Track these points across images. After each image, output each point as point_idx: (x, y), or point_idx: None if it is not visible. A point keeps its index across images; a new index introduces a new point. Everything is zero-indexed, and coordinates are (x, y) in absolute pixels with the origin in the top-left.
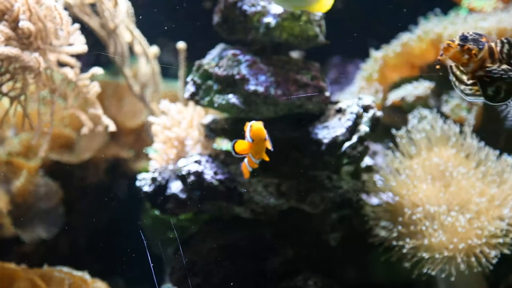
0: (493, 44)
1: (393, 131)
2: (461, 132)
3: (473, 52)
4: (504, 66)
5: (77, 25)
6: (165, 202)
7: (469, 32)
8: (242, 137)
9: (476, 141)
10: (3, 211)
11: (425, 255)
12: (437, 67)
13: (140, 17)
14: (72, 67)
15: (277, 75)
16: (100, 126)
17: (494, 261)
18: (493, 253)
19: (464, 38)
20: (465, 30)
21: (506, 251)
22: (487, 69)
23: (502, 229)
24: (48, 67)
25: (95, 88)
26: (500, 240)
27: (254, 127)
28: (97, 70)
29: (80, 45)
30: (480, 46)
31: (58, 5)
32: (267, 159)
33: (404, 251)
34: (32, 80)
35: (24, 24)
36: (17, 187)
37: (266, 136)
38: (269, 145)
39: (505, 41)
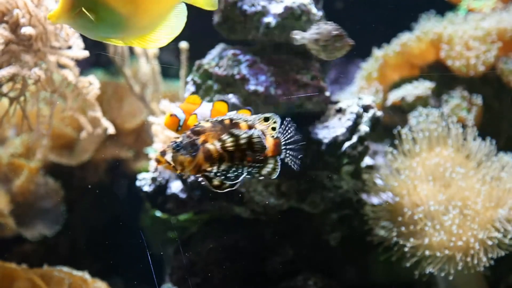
0: (210, 146)
1: (394, 131)
2: (461, 132)
3: (185, 164)
4: (224, 167)
5: None
6: (165, 202)
7: (187, 133)
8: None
9: (476, 141)
10: (5, 211)
11: (425, 255)
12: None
13: None
14: (71, 69)
15: (277, 75)
16: (100, 128)
17: (493, 261)
18: (492, 253)
19: (177, 147)
20: (466, 30)
21: (505, 251)
22: (206, 173)
23: (501, 229)
24: (48, 68)
25: (94, 90)
26: (499, 240)
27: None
28: (94, 80)
29: (79, 48)
30: (193, 153)
31: None
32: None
33: (405, 249)
34: (31, 81)
35: (26, 30)
36: (17, 186)
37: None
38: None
39: (225, 138)
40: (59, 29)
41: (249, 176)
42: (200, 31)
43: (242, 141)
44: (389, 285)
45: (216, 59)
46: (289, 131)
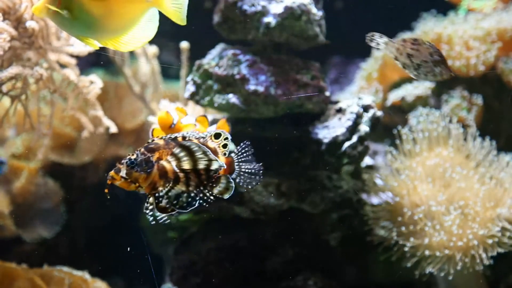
0: (165, 164)
1: (394, 131)
2: (461, 132)
3: (140, 181)
4: (175, 191)
5: None
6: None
7: (141, 150)
8: (243, 137)
9: (476, 141)
10: (4, 212)
11: (425, 255)
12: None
13: None
14: (72, 68)
15: (277, 75)
16: (101, 127)
17: (492, 260)
18: (491, 252)
19: (131, 164)
20: (466, 30)
21: (505, 250)
22: (157, 194)
23: (501, 228)
24: (49, 67)
25: (95, 89)
26: (498, 240)
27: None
28: (96, 79)
29: (80, 46)
30: (149, 170)
31: None
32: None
33: (405, 249)
34: (32, 80)
35: (31, 24)
36: (17, 188)
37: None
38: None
39: (177, 152)
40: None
41: (201, 201)
42: (200, 31)
43: (196, 157)
44: (389, 285)
45: (216, 59)
46: (245, 153)
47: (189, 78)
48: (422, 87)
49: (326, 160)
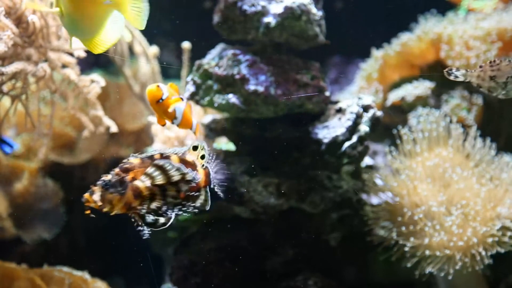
0: (139, 183)
1: (394, 131)
2: (461, 132)
3: (114, 202)
4: (156, 204)
5: None
6: None
7: (116, 170)
8: (243, 136)
9: (476, 141)
10: (4, 214)
11: (425, 255)
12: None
13: None
14: (72, 67)
15: (277, 75)
16: (101, 127)
17: (492, 260)
18: (491, 252)
19: (105, 185)
20: (466, 30)
21: (505, 250)
22: (137, 211)
23: (501, 228)
24: (49, 66)
25: (96, 89)
26: (499, 239)
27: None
28: (98, 78)
29: (79, 47)
30: (122, 191)
31: None
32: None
33: (405, 249)
34: (32, 80)
35: (32, 18)
36: (18, 189)
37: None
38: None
39: (150, 172)
40: (60, 28)
41: (181, 212)
42: (200, 31)
43: (170, 174)
44: (389, 285)
45: (216, 59)
46: (213, 159)
47: (189, 78)
48: (422, 87)
49: (326, 160)
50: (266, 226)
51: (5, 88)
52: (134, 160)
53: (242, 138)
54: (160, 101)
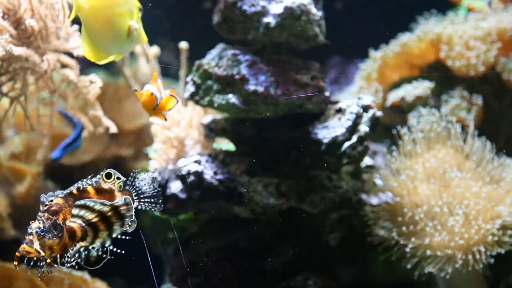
0: (72, 224)
1: (393, 131)
2: (461, 132)
3: (55, 247)
4: (88, 240)
5: (76, 27)
6: (165, 202)
7: (44, 215)
8: (243, 136)
9: (476, 141)
10: (3, 215)
11: (426, 254)
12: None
13: None
14: (71, 68)
15: (277, 75)
16: (101, 127)
17: (492, 260)
18: (491, 252)
19: (42, 232)
20: (466, 30)
21: (505, 250)
22: (64, 260)
23: (501, 228)
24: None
25: (95, 89)
26: (499, 239)
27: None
28: (96, 79)
29: (79, 47)
30: (60, 234)
31: (59, 4)
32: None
33: (406, 249)
34: (32, 81)
35: (30, 22)
36: (18, 191)
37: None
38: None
39: (77, 212)
40: (60, 25)
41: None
42: (200, 31)
43: (97, 209)
44: (389, 285)
45: (216, 59)
46: (136, 181)
47: (188, 78)
48: (422, 87)
49: (326, 160)
50: (266, 226)
51: (4, 88)
52: (57, 200)
53: (242, 138)
54: (156, 108)
